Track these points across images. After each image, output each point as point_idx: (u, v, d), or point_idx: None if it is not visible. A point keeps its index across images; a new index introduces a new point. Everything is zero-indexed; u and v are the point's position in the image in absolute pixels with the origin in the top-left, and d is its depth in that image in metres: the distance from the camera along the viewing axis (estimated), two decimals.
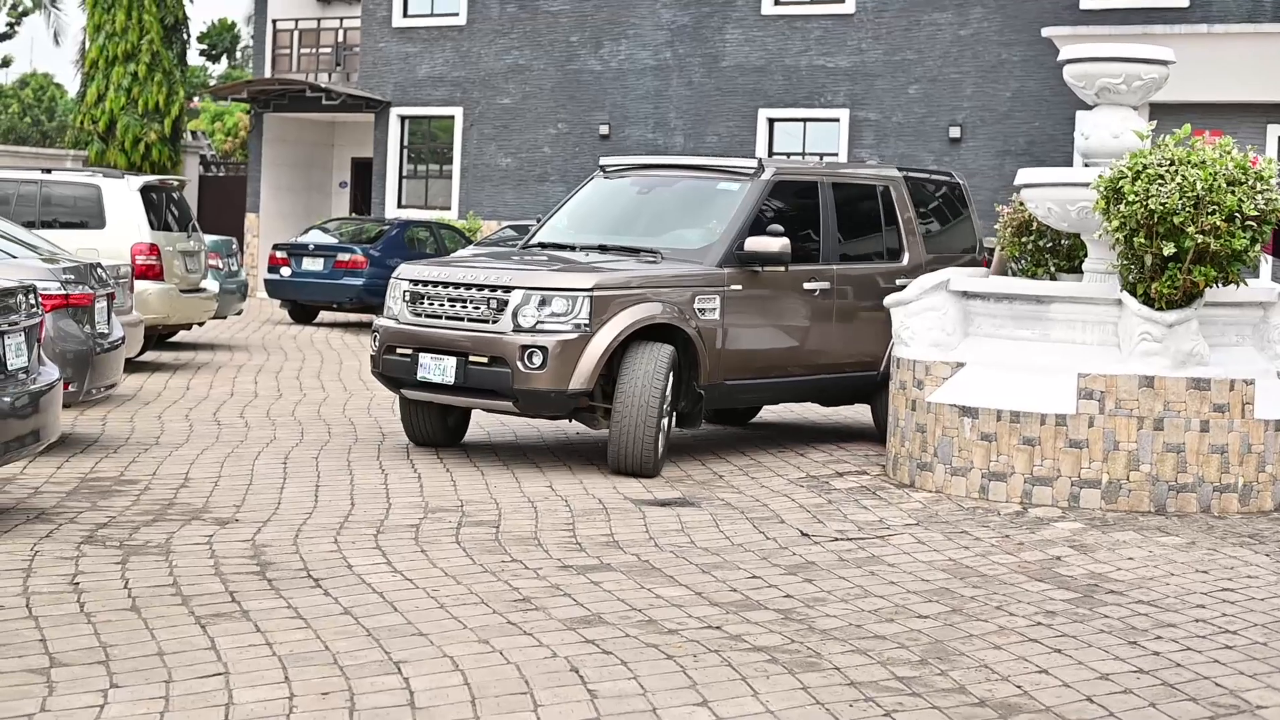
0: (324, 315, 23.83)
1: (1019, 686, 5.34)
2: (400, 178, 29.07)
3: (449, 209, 28.29)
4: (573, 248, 10.62)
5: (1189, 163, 8.61)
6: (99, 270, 10.40)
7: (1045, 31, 17.29)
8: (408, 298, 9.98)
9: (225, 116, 57.30)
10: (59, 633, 5.60)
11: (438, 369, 9.63)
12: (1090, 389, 8.96)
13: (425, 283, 9.91)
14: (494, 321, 9.54)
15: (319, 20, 31.36)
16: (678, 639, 5.76)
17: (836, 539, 7.87)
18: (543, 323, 9.42)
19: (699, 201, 10.86)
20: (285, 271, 22.51)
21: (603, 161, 11.60)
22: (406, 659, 5.36)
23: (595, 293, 9.47)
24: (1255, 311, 9.52)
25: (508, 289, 9.54)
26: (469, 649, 5.51)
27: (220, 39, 70.94)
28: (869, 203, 11.52)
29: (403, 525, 7.84)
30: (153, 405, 12.43)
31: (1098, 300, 9.19)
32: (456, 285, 9.75)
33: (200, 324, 17.07)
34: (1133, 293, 9.00)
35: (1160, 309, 8.91)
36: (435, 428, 10.35)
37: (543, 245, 10.95)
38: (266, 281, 23.01)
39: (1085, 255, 10.30)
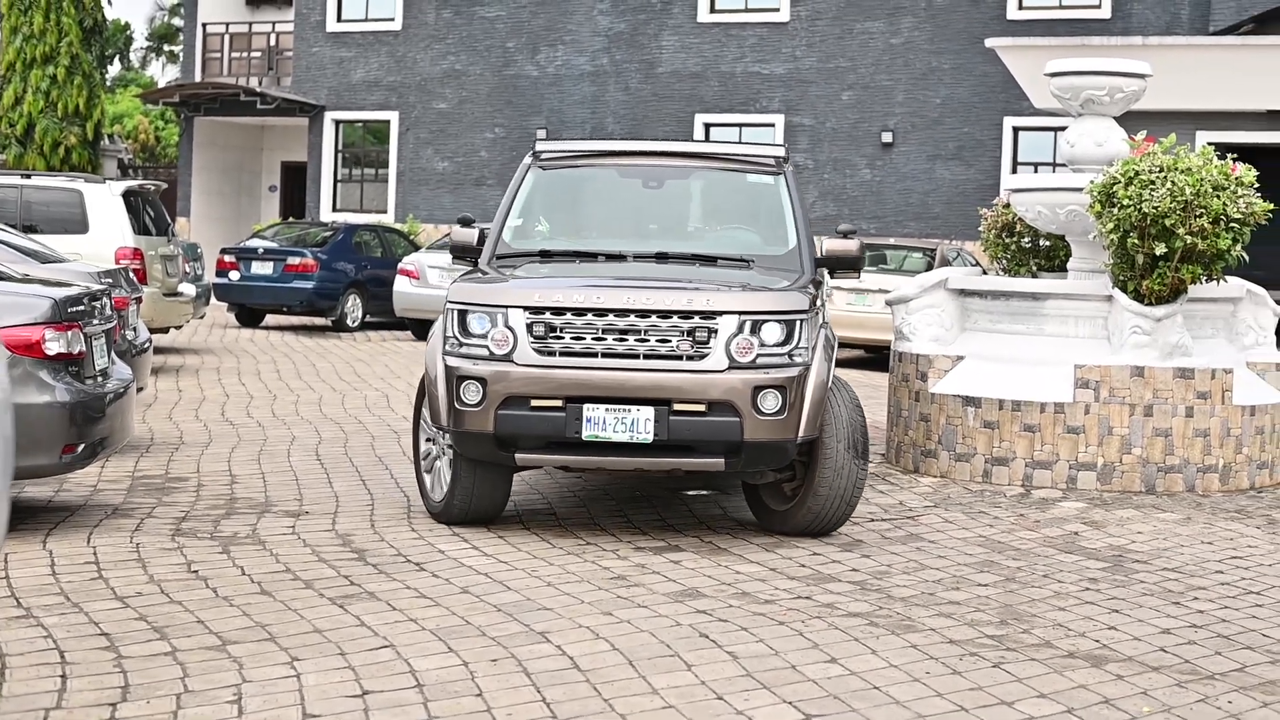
0: (269, 319, 24.07)
1: (1097, 640, 5.98)
2: (335, 181, 29.34)
3: (385, 212, 28.62)
4: (619, 256, 8.52)
5: (1177, 169, 9.34)
6: (129, 274, 10.74)
7: (989, 42, 18.12)
8: (536, 330, 7.55)
9: (125, 119, 56.90)
10: (210, 615, 6.03)
11: (622, 424, 7.41)
12: (1086, 379, 9.67)
13: (566, 310, 7.55)
14: (699, 357, 7.47)
15: (250, 24, 31.52)
16: (780, 607, 6.34)
17: (874, 519, 8.49)
18: (763, 356, 7.50)
19: (732, 198, 9.29)
20: (234, 275, 22.74)
21: (540, 147, 9.35)
22: (548, 630, 5.87)
23: (810, 316, 7.72)
24: (1227, 307, 10.32)
25: (711, 314, 7.50)
26: (598, 620, 6.04)
27: (114, 40, 70.33)
28: None
29: None
30: (156, 407, 12.75)
31: (1090, 297, 9.91)
32: (624, 312, 7.52)
33: (178, 328, 17.34)
34: (1123, 289, 9.73)
35: (1149, 304, 9.64)
36: (499, 499, 8.02)
37: (545, 254, 8.65)
38: (215, 285, 23.21)
39: (1065, 255, 11.05)
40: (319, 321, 23.45)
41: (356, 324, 22.94)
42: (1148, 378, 9.66)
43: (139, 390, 10.85)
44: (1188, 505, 9.31)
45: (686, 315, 7.50)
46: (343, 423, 12.10)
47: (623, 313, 7.53)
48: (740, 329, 7.50)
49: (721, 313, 7.50)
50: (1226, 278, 9.91)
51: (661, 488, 9.27)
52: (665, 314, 7.51)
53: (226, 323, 23.45)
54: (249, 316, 23.33)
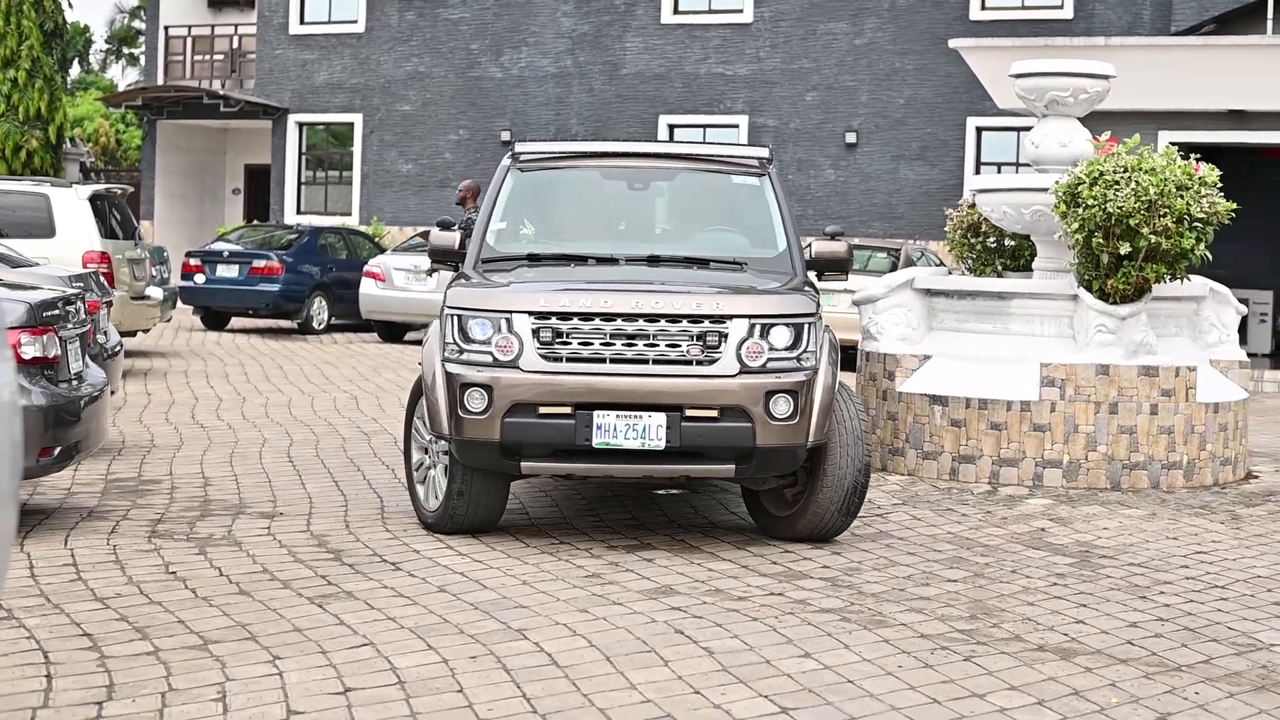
0: (235, 321, 24.04)
1: (1065, 634, 6.09)
2: (299, 184, 29.30)
3: (349, 214, 28.60)
4: (611, 260, 8.27)
5: (1141, 169, 9.48)
6: (100, 278, 10.75)
7: (952, 43, 18.26)
8: (543, 336, 7.39)
9: (86, 123, 56.63)
10: (190, 615, 6.06)
11: (633, 431, 7.26)
12: (1052, 377, 9.80)
13: (573, 315, 7.38)
14: (709, 362, 7.34)
15: (212, 26, 31.43)
16: (753, 604, 6.42)
17: None
18: (773, 360, 7.41)
19: (718, 200, 9.09)
20: (199, 279, 22.72)
21: (518, 149, 8.98)
22: (526, 627, 5.94)
23: (816, 319, 7.63)
24: (1190, 305, 10.48)
25: (722, 318, 7.37)
26: (575, 617, 6.11)
27: (74, 43, 69.89)
28: None
29: None
30: (126, 411, 12.74)
31: (1055, 296, 10.04)
32: (632, 316, 7.37)
33: (146, 331, 17.32)
34: (1088, 289, 9.86)
35: (1114, 303, 9.77)
36: (497, 508, 7.83)
37: (533, 258, 8.34)
38: (180, 289, 23.17)
39: (1029, 255, 11.19)
40: (285, 324, 23.44)
41: (322, 326, 22.93)
42: (1113, 376, 9.79)
43: (112, 393, 10.85)
44: (1152, 501, 9.45)
45: (696, 319, 7.36)
46: (313, 425, 12.13)
47: (631, 317, 7.36)
48: (750, 333, 7.37)
49: (732, 316, 7.36)
50: (1190, 277, 10.07)
51: (633, 488, 9.34)
52: (675, 318, 7.36)
53: (192, 326, 23.41)
54: (215, 319, 23.31)
